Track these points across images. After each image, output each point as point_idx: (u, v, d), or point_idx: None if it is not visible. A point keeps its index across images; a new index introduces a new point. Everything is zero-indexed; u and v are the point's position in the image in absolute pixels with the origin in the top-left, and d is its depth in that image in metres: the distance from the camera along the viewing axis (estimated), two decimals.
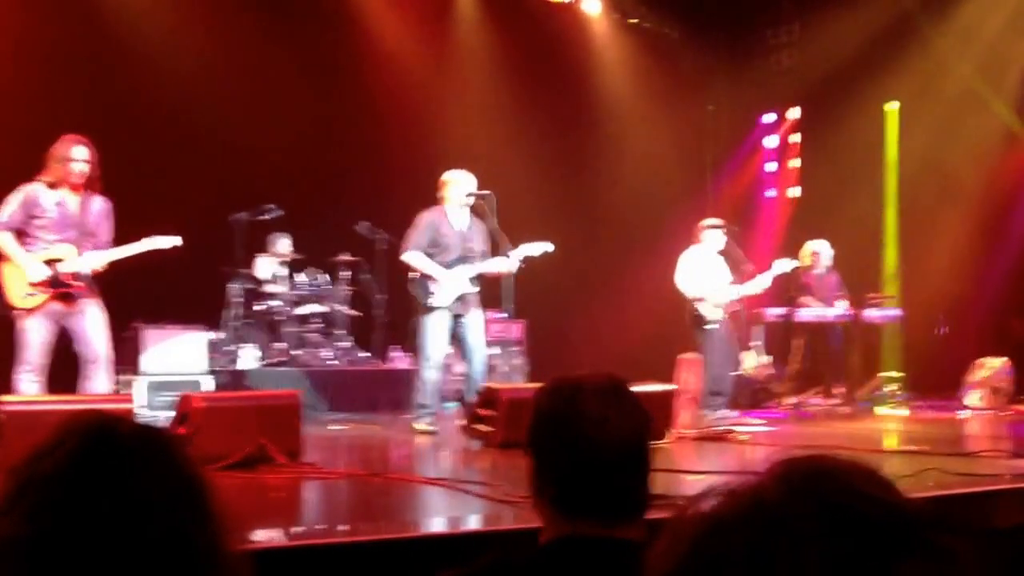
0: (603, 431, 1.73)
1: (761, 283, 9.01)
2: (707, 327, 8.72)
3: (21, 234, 6.05)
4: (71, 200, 6.12)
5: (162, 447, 1.18)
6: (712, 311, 8.73)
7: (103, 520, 1.08)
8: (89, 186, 6.14)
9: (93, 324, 6.14)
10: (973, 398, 9.62)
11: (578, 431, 1.73)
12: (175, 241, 6.36)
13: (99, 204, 6.23)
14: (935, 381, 10.56)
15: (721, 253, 9.03)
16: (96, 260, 6.13)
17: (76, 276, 6.05)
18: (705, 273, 8.86)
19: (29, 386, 5.92)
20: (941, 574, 0.80)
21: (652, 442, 1.86)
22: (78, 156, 6.08)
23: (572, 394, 1.78)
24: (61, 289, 6.01)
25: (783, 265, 9.19)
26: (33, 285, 5.95)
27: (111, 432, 1.16)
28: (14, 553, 1.07)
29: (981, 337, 10.72)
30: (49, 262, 6.01)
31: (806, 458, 0.89)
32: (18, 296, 5.97)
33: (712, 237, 8.94)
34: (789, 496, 0.83)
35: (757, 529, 0.81)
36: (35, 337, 5.97)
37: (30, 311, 5.97)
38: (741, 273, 8.90)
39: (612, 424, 1.74)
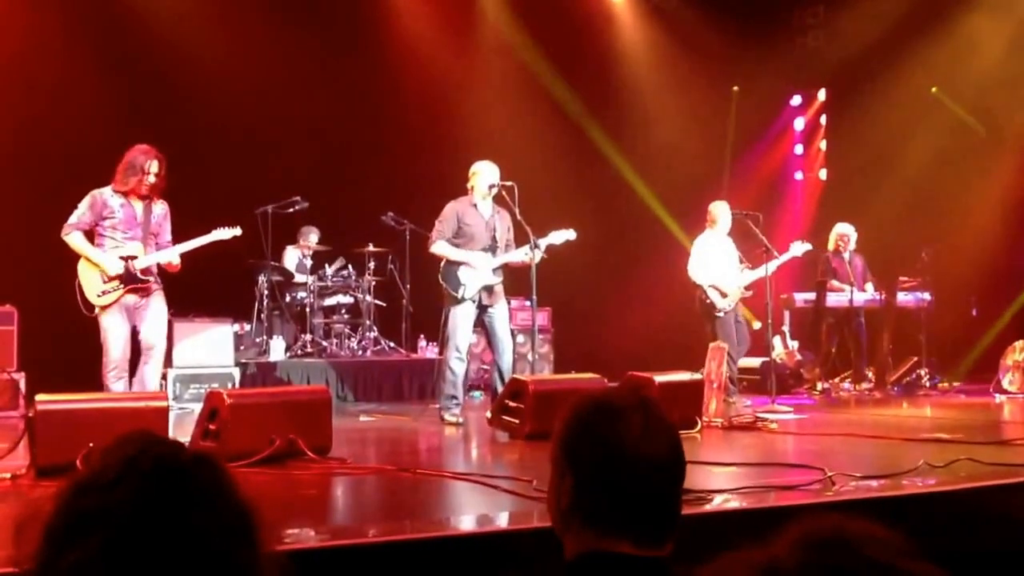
0: (644, 453, 1.71)
1: (771, 266, 8.92)
2: (718, 315, 8.81)
3: (92, 235, 6.43)
4: (136, 203, 6.50)
5: (216, 478, 1.20)
6: (721, 300, 8.82)
7: (169, 554, 1.09)
8: (153, 191, 6.52)
9: (156, 315, 6.53)
10: (1006, 381, 9.52)
11: (619, 453, 1.71)
12: (236, 232, 6.81)
13: (160, 207, 6.61)
14: (967, 365, 10.48)
15: (729, 235, 9.08)
16: (170, 254, 6.52)
17: (147, 271, 6.45)
18: (717, 259, 8.94)
19: (117, 384, 6.25)
20: None
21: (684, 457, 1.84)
22: (152, 170, 6.45)
23: (609, 415, 1.76)
24: (136, 284, 6.38)
25: (798, 248, 9.17)
26: (110, 279, 6.30)
27: (170, 465, 1.17)
28: None
29: (1015, 319, 10.62)
30: (122, 259, 6.37)
31: (823, 526, 0.88)
32: (94, 294, 6.33)
33: (723, 219, 9.01)
34: (803, 567, 0.83)
35: None
36: (115, 335, 6.33)
37: (106, 307, 6.31)
38: (758, 258, 8.89)
39: (652, 445, 1.73)
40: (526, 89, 11.85)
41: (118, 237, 6.39)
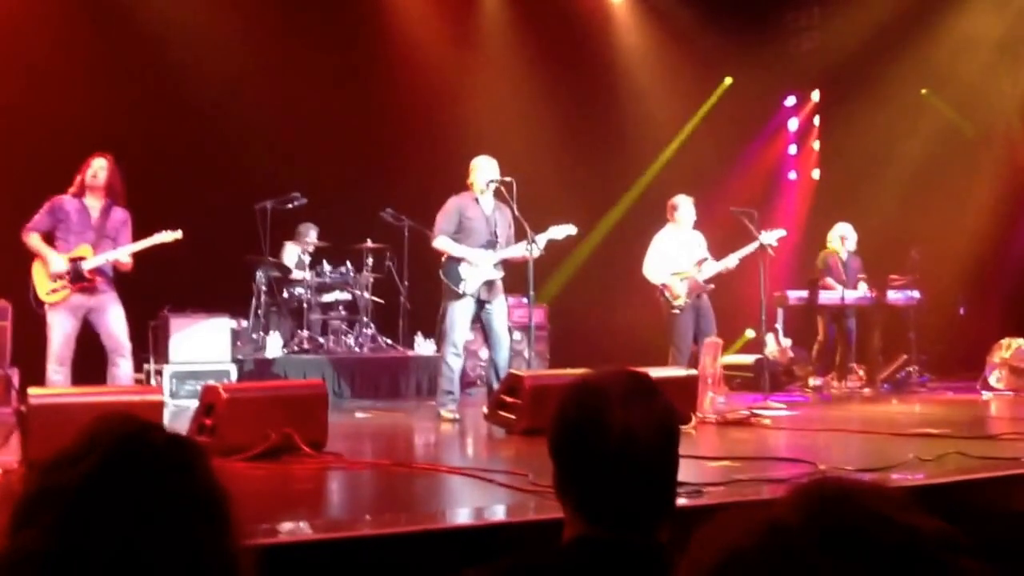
0: (628, 443, 1.68)
1: (732, 260, 8.64)
2: (673, 311, 8.51)
3: (51, 240, 6.69)
4: (93, 207, 6.75)
5: (187, 461, 1.17)
6: (675, 297, 8.51)
7: (123, 535, 1.07)
8: (110, 196, 6.77)
9: (114, 319, 6.72)
10: (993, 379, 9.59)
11: (602, 442, 1.69)
12: (176, 235, 6.85)
13: (119, 214, 6.83)
14: (956, 362, 10.54)
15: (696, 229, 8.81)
16: (117, 254, 6.70)
17: (95, 272, 6.63)
18: (675, 255, 8.63)
19: (55, 377, 6.47)
20: None
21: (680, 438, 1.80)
22: (95, 166, 6.73)
23: (595, 401, 1.73)
24: (82, 283, 6.59)
25: (767, 237, 8.72)
26: (55, 278, 6.54)
27: (136, 443, 1.15)
28: (35, 565, 1.06)
29: (1002, 317, 10.68)
30: (72, 259, 6.59)
31: (821, 482, 0.89)
32: (44, 291, 6.58)
33: (685, 214, 8.69)
34: (805, 523, 0.83)
35: (774, 557, 0.82)
36: (58, 331, 6.56)
37: (54, 305, 6.56)
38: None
39: (637, 434, 1.69)
40: (524, 85, 11.88)
41: (71, 240, 6.65)
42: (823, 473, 4.25)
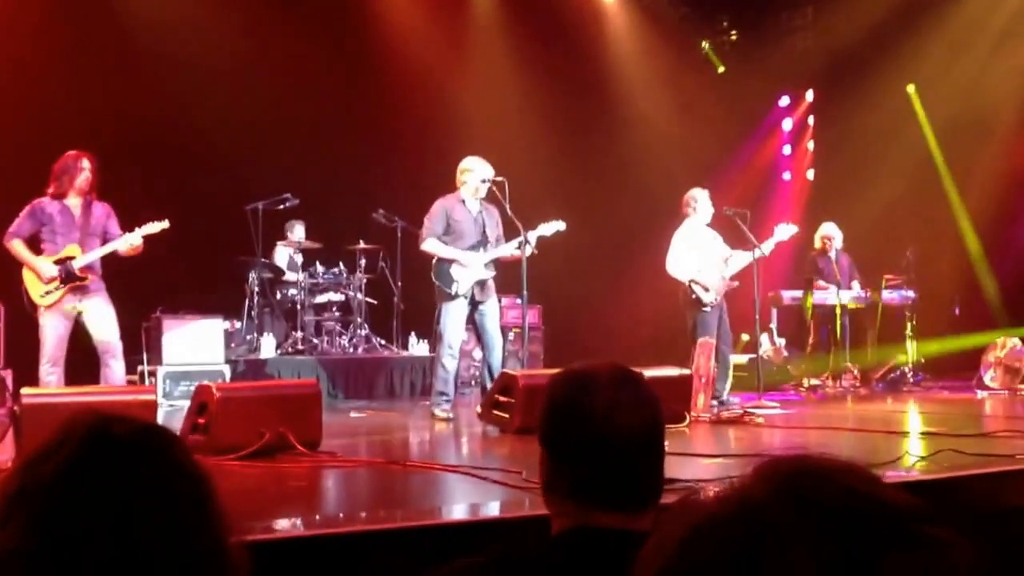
0: (612, 423, 1.72)
1: (756, 253, 8.38)
2: (704, 309, 8.30)
3: (37, 242, 6.73)
4: (74, 206, 6.79)
5: (160, 448, 1.15)
6: (706, 294, 8.29)
7: (102, 527, 1.06)
8: (90, 192, 6.81)
9: (106, 320, 6.75)
10: (988, 378, 9.60)
11: (587, 423, 1.73)
12: (163, 225, 6.89)
13: (101, 208, 6.87)
14: (950, 361, 10.55)
15: (710, 225, 8.59)
16: (106, 250, 6.74)
17: (86, 269, 6.67)
18: (698, 250, 8.41)
19: (48, 377, 6.52)
20: (929, 566, 0.79)
21: (666, 428, 1.84)
22: (85, 166, 6.76)
23: (581, 386, 1.77)
24: (75, 283, 6.62)
25: (784, 231, 8.63)
26: (47, 281, 6.58)
27: (107, 435, 1.13)
28: (14, 565, 1.05)
29: (996, 316, 10.71)
30: (61, 260, 6.64)
31: (790, 458, 0.88)
32: (38, 295, 6.62)
33: (703, 206, 8.47)
34: (774, 497, 0.83)
35: (743, 531, 0.81)
36: (51, 332, 6.61)
37: (49, 307, 6.59)
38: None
39: (621, 415, 1.73)
40: (517, 85, 11.88)
41: (58, 241, 6.67)
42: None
